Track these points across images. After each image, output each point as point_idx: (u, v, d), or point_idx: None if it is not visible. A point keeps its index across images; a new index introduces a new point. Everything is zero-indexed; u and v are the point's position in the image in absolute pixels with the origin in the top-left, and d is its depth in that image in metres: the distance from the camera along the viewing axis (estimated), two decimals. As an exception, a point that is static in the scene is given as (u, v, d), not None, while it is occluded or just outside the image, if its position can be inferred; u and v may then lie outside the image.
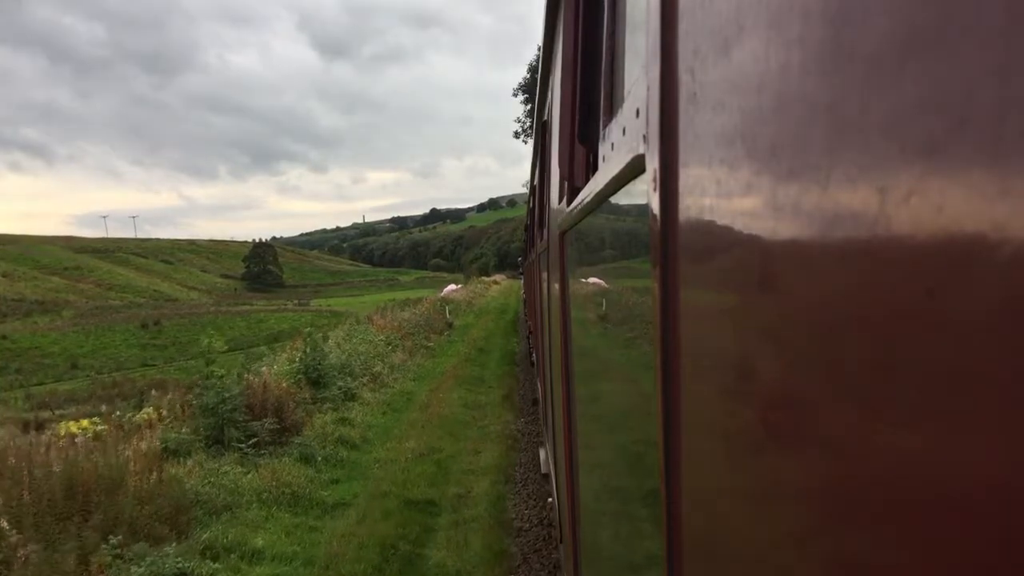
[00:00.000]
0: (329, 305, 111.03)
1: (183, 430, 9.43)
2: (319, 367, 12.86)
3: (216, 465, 8.38)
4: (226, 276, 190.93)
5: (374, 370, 15.97)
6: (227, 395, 9.23)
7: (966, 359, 0.34)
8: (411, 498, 8.07)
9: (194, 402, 9.56)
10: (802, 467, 0.57)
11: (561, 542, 4.18)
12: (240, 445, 8.95)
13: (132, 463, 7.35)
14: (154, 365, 62.36)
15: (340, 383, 13.34)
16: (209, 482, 8.00)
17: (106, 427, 10.88)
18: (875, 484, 0.44)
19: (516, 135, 46.50)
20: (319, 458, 9.32)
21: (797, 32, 0.52)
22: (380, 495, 8.20)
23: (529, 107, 41.57)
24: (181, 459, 8.66)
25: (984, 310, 0.33)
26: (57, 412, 33.43)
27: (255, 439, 9.17)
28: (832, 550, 0.51)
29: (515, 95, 45.15)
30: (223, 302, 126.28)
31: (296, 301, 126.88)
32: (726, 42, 0.68)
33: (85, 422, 11.33)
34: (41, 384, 54.03)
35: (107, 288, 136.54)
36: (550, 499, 6.03)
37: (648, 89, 1.00)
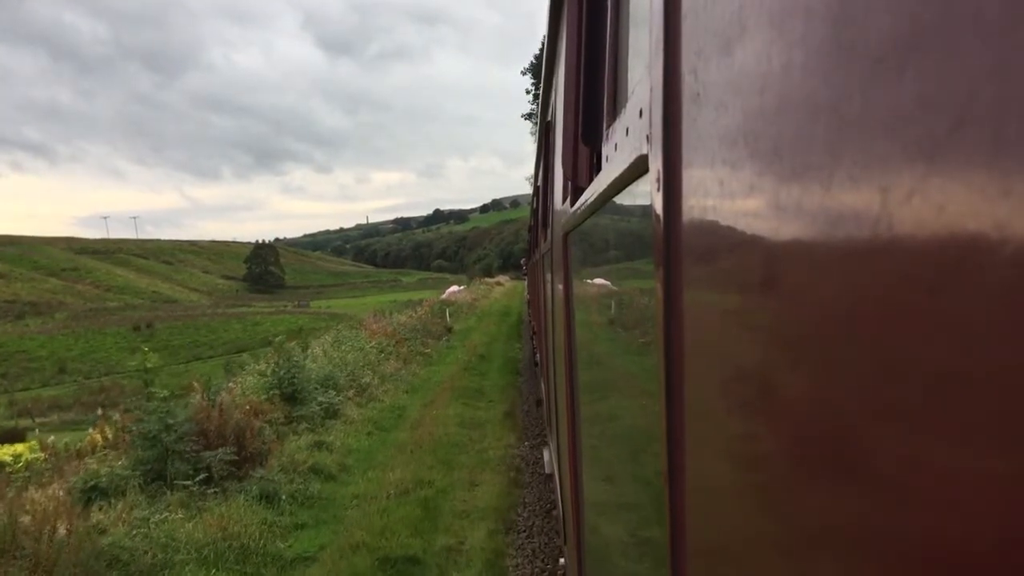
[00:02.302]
0: (329, 307, 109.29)
1: (120, 462, 7.88)
2: (294, 381, 11.28)
3: (148, 512, 6.81)
4: (227, 277, 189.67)
5: (362, 381, 14.43)
6: (171, 421, 7.67)
7: (969, 358, 0.34)
8: (389, 553, 6.51)
9: (133, 428, 7.99)
10: (807, 469, 0.56)
11: (565, 543, 4.13)
12: (186, 482, 7.39)
13: (30, 515, 5.78)
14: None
15: (321, 398, 11.78)
16: (140, 533, 6.45)
17: (41, 455, 9.36)
18: (879, 484, 0.44)
19: (528, 116, 45.66)
20: (283, 496, 7.75)
21: (799, 32, 0.52)
22: (351, 548, 6.64)
23: (536, 91, 40.76)
24: (111, 501, 7.12)
25: (987, 309, 0.33)
26: (38, 420, 31.99)
27: (206, 474, 7.62)
28: (837, 553, 0.50)
29: (524, 74, 44.41)
30: (221, 304, 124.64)
31: (296, 303, 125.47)
32: (729, 42, 0.68)
33: (21, 447, 9.79)
34: (27, 389, 52.09)
35: (105, 289, 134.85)
36: (562, 560, 4.88)
37: (651, 89, 1.00)
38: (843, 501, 0.48)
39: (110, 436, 8.94)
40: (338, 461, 9.51)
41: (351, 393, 13.33)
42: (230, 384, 11.28)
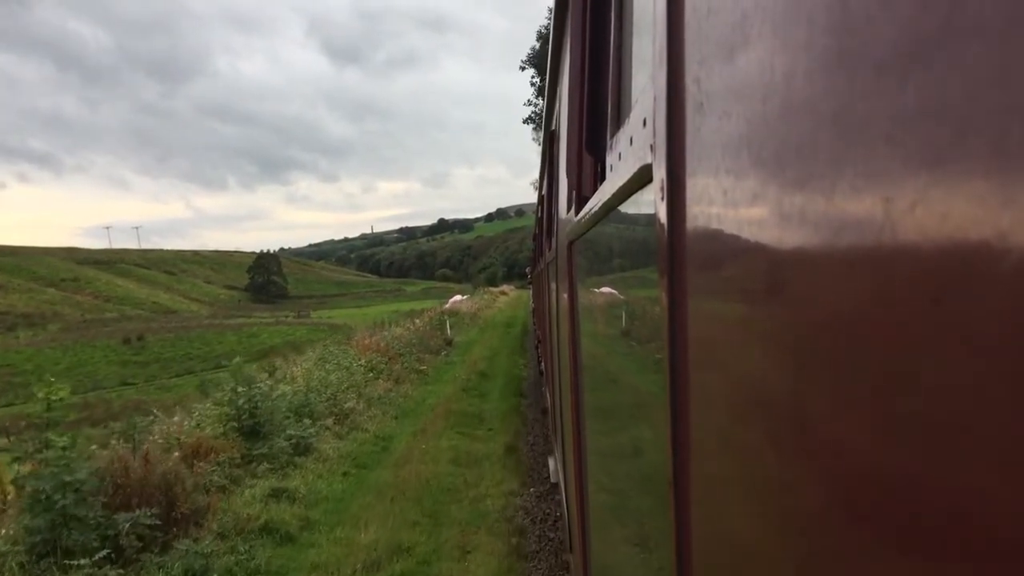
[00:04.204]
0: (331, 317, 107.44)
1: (3, 532, 6.07)
2: (255, 411, 9.45)
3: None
4: (230, 287, 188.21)
5: (345, 406, 12.61)
6: (69, 478, 5.87)
7: (972, 367, 0.34)
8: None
9: (27, 485, 6.19)
10: (812, 477, 0.56)
11: (571, 551, 4.02)
12: (81, 562, 5.58)
13: None
14: (134, 384, 58.56)
15: (292, 431, 9.97)
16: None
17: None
18: (884, 493, 0.43)
19: (528, 119, 43.54)
20: (215, 574, 5.94)
21: (802, 40, 0.52)
22: (293, 662, 4.83)
23: (537, 86, 38.74)
24: (-24, 591, 5.32)
25: (990, 318, 0.33)
26: (13, 439, 30.17)
27: (110, 549, 5.80)
28: (842, 557, 0.50)
29: (523, 69, 41.72)
30: (220, 314, 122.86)
31: (297, 313, 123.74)
32: (732, 51, 0.68)
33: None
34: (10, 405, 50.12)
35: (104, 300, 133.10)
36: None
37: (655, 98, 1.00)
38: (851, 510, 0.48)
39: (11, 490, 7.13)
40: (300, 515, 7.69)
41: (330, 422, 11.53)
42: (176, 419, 9.42)
